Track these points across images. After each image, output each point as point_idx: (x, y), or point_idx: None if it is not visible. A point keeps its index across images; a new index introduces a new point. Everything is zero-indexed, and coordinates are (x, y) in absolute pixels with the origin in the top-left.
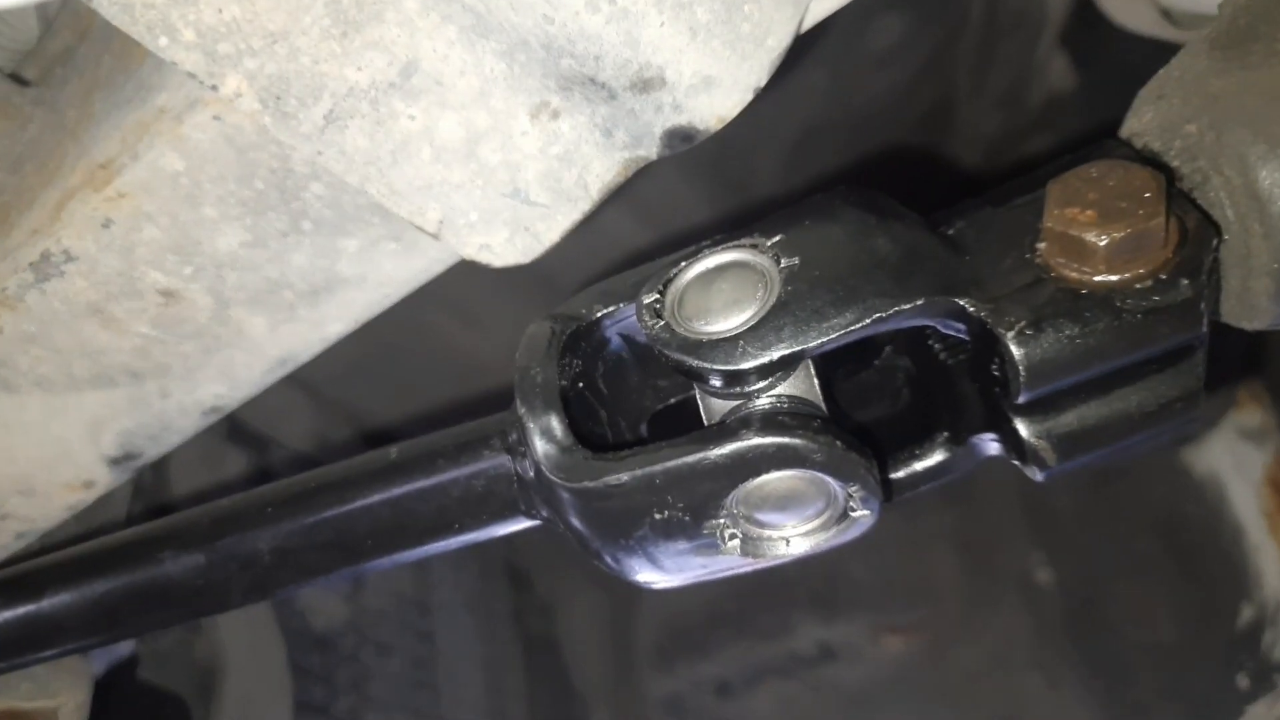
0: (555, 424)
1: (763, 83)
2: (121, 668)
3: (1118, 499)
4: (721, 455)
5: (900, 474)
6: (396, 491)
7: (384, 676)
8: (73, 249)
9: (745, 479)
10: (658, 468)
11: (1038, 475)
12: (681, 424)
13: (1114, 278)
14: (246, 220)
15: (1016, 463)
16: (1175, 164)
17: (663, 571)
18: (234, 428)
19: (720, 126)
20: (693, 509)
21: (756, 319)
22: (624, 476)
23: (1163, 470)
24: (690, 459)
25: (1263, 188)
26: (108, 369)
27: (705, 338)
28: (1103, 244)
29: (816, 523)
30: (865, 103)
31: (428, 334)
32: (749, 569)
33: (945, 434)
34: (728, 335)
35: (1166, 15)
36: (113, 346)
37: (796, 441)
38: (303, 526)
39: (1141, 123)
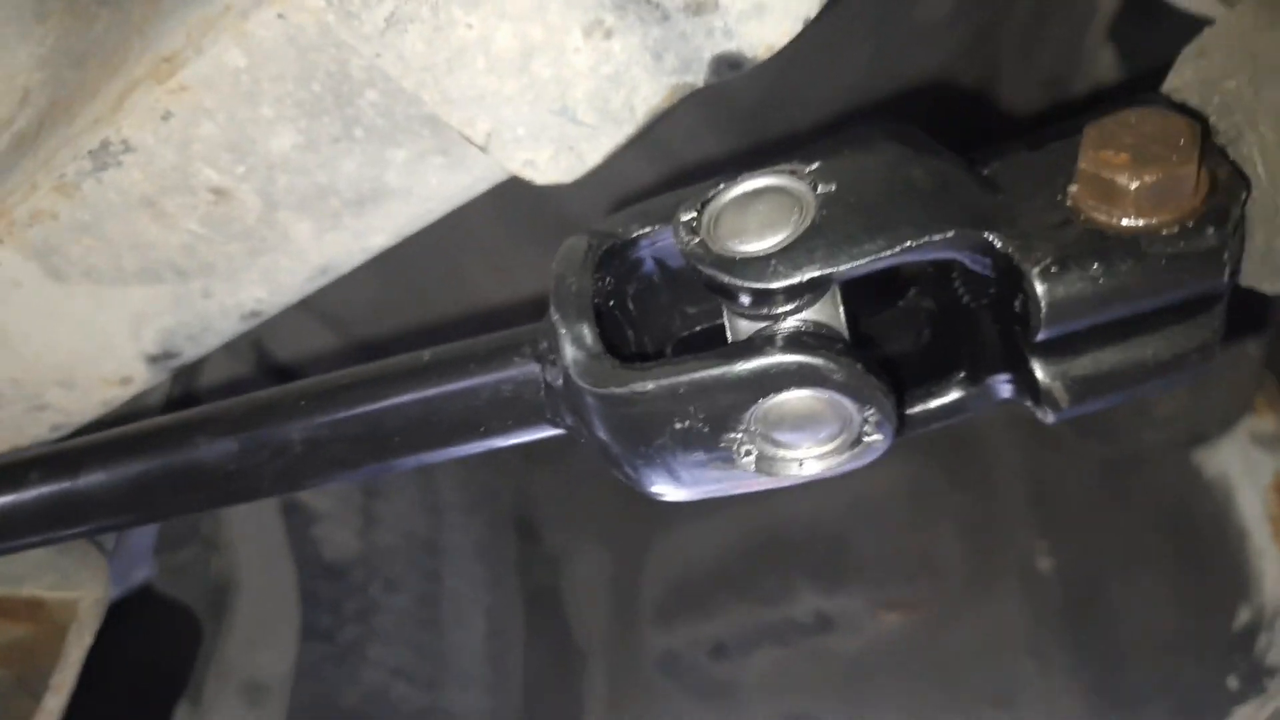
0: (586, 331)
1: (814, 14)
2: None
3: (1125, 492)
4: (745, 370)
5: (915, 409)
6: (428, 392)
7: (390, 611)
8: (131, 139)
9: (766, 394)
10: (683, 378)
11: (1049, 417)
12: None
13: (1141, 222)
14: (301, 123)
15: (1029, 404)
16: (1212, 119)
17: (678, 483)
18: (264, 361)
19: (768, 56)
20: (712, 420)
21: (790, 240)
22: (649, 385)
23: (1172, 468)
24: (715, 371)
25: None
26: (155, 264)
27: (738, 255)
28: (1133, 187)
29: (830, 446)
30: (908, 77)
31: (462, 283)
32: (762, 487)
33: (962, 373)
34: (760, 254)
35: None
36: (162, 241)
37: (818, 361)
38: (335, 420)
39: (1182, 79)
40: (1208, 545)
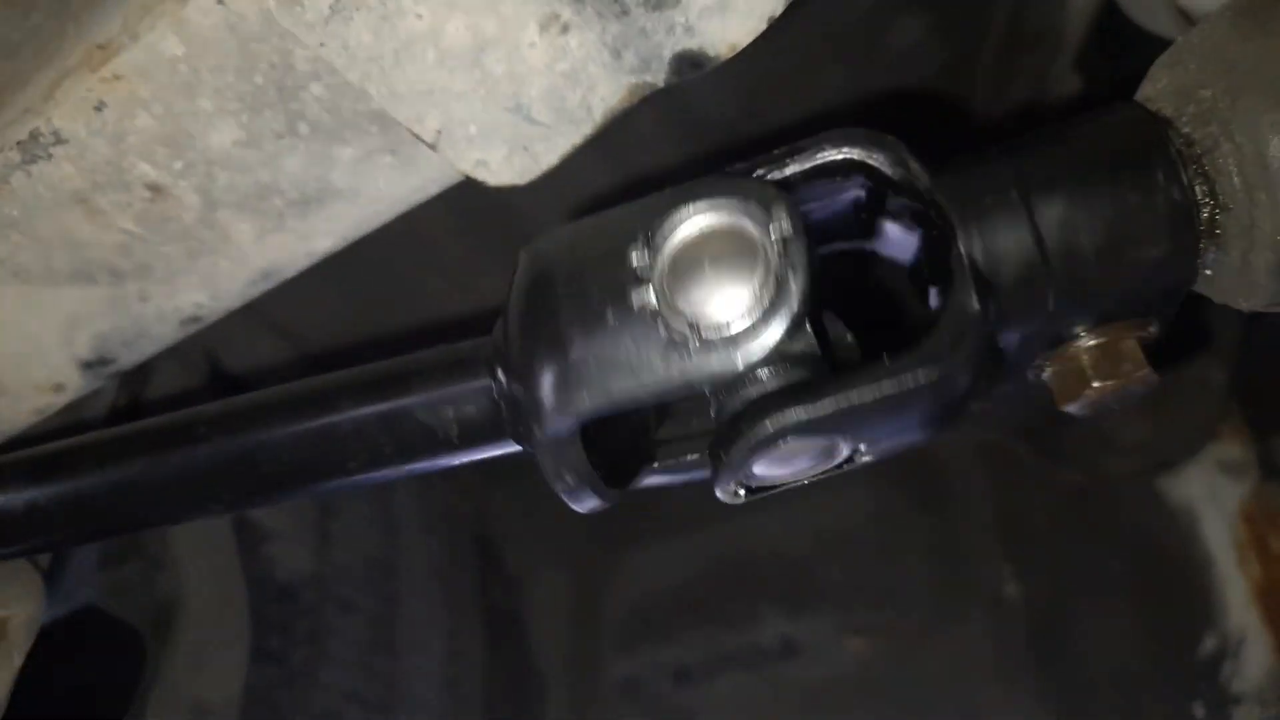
0: None
1: (778, 12)
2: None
3: (1091, 520)
4: None
5: None
6: (397, 403)
7: (344, 633)
8: (63, 131)
9: None
10: None
11: None
12: None
13: None
14: (243, 117)
15: None
16: (1187, 129)
17: None
18: (216, 372)
19: (730, 55)
20: None
21: None
22: None
23: (1139, 496)
24: None
25: (1273, 156)
26: (88, 264)
27: None
28: None
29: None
30: (880, 102)
31: (423, 298)
32: None
33: None
34: None
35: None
36: (95, 240)
37: None
38: (290, 435)
39: (1156, 88)
40: (1173, 572)
